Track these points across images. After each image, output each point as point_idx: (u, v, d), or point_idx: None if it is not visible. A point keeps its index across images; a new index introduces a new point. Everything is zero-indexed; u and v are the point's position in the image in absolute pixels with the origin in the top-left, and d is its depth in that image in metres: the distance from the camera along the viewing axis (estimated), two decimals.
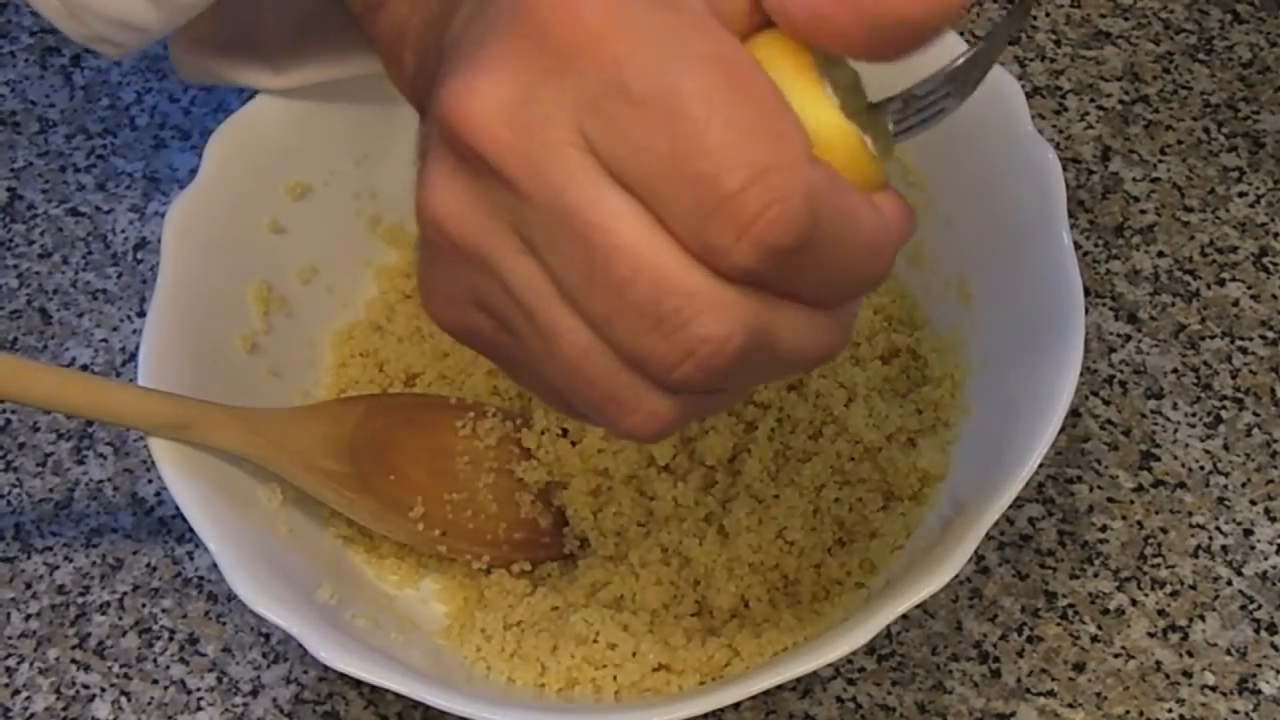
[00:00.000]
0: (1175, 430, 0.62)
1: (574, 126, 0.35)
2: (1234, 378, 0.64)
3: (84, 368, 0.65)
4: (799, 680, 0.53)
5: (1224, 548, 0.60)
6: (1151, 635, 0.58)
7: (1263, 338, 0.64)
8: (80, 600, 0.60)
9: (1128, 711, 0.57)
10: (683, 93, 0.34)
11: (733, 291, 0.35)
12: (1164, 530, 0.60)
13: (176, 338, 0.55)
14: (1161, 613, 0.59)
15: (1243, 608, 0.59)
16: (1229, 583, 0.59)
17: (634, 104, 0.34)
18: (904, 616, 0.49)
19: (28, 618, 0.60)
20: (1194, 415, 0.63)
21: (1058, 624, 0.58)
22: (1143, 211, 0.68)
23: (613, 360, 0.37)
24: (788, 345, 0.37)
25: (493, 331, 0.39)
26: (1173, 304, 0.65)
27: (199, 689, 0.58)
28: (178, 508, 0.52)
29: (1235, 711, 0.57)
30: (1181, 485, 0.61)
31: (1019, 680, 0.57)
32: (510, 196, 0.36)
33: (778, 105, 0.35)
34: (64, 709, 0.58)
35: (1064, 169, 0.55)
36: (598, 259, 0.35)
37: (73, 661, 0.59)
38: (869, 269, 0.37)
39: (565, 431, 0.59)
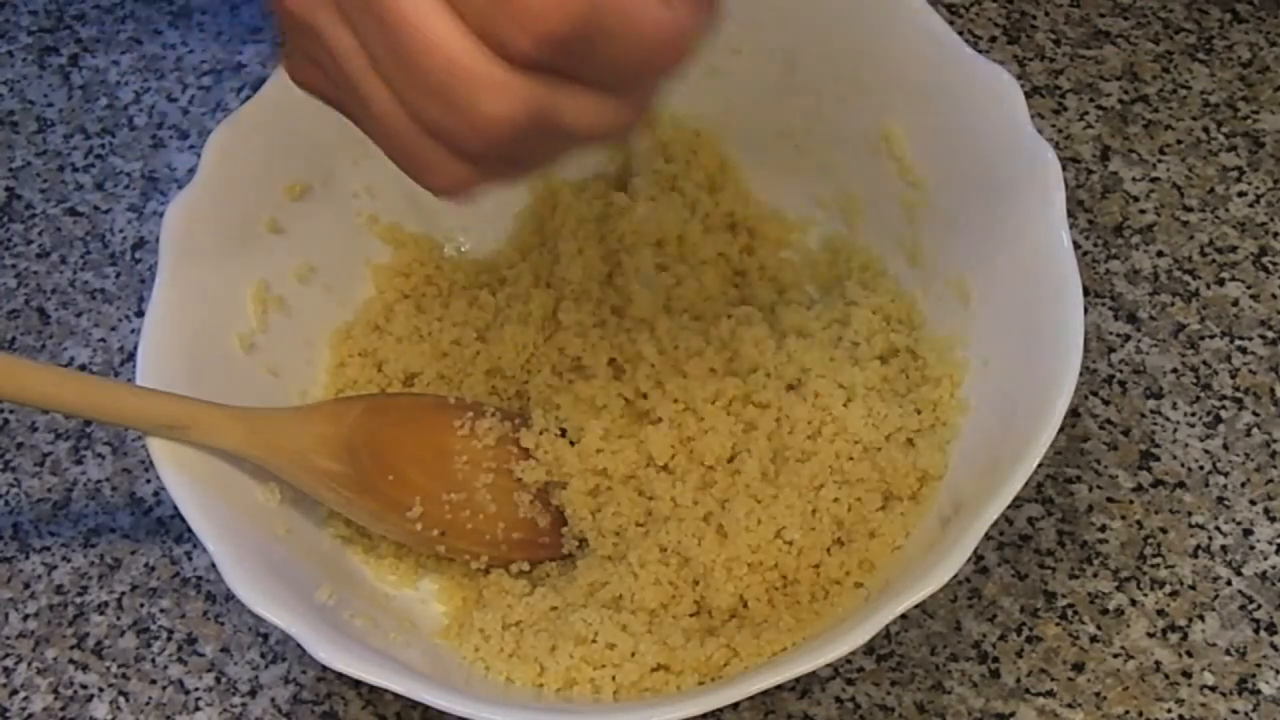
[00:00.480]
0: (1175, 430, 0.62)
1: None
2: (1233, 377, 0.64)
3: (82, 367, 0.65)
4: (798, 680, 0.53)
5: (1223, 547, 0.60)
6: (1151, 635, 0.58)
7: (1262, 337, 0.64)
8: (78, 600, 0.60)
9: (1127, 711, 0.57)
10: None
11: (517, 75, 0.39)
12: (1163, 530, 0.60)
13: (175, 337, 0.55)
14: (1161, 613, 0.59)
15: (1242, 608, 0.59)
16: (1228, 583, 0.59)
17: None
18: (903, 616, 0.49)
19: (26, 618, 0.60)
20: (1193, 415, 0.63)
21: (1057, 624, 0.58)
22: (1142, 211, 0.68)
23: (415, 127, 0.41)
24: (573, 123, 0.41)
25: (332, 91, 0.43)
26: (1172, 304, 0.65)
27: (197, 689, 0.58)
28: (176, 508, 0.52)
29: (1235, 711, 0.57)
30: (1181, 485, 0.61)
31: (1018, 680, 0.57)
32: None
33: None
34: (62, 709, 0.58)
35: (1063, 168, 0.55)
36: (397, 37, 0.39)
37: (71, 661, 0.59)
38: (654, 59, 0.41)
39: (564, 431, 0.59)
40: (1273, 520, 0.60)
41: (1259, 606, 0.59)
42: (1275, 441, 0.62)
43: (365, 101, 0.42)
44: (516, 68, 0.39)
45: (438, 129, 0.41)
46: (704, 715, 0.49)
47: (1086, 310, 0.60)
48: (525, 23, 0.38)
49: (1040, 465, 0.60)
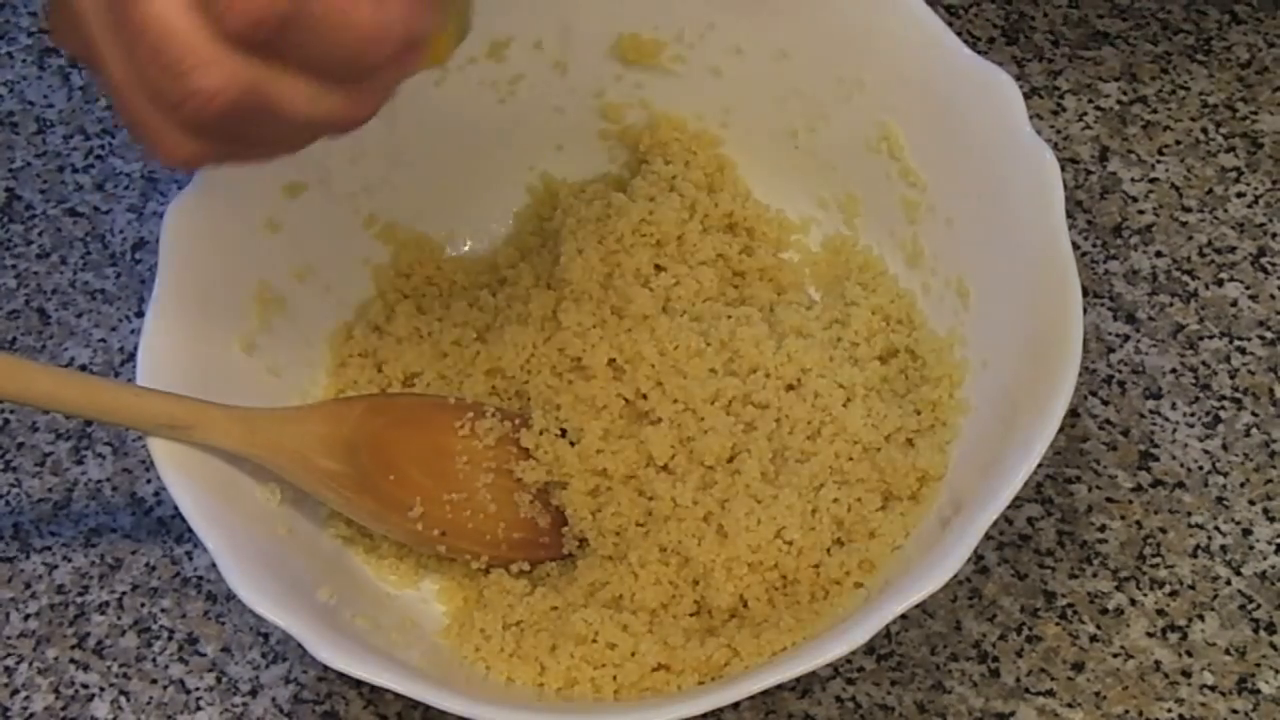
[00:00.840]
0: (1174, 430, 0.62)
1: None
2: (1232, 378, 0.64)
3: (83, 368, 0.65)
4: (798, 680, 0.53)
5: (1223, 547, 0.60)
6: (1150, 635, 0.58)
7: (1261, 338, 0.64)
8: (79, 600, 0.60)
9: (1127, 711, 0.57)
10: None
11: (231, 53, 0.41)
12: (1163, 530, 0.60)
13: (175, 337, 0.55)
14: (1160, 612, 0.59)
15: (1242, 607, 0.59)
16: (1228, 582, 0.59)
17: None
18: (903, 616, 0.49)
19: (27, 617, 0.60)
20: (1192, 415, 0.63)
21: (1057, 624, 0.58)
22: (1141, 212, 0.68)
23: (144, 96, 0.42)
24: (290, 108, 0.43)
25: (83, 52, 0.44)
26: (1171, 304, 0.65)
27: (198, 689, 0.58)
28: (176, 507, 0.52)
29: (1234, 711, 0.57)
30: (1180, 485, 0.61)
31: (1018, 680, 0.57)
32: None
33: None
34: (63, 709, 0.58)
35: (1062, 169, 0.55)
36: (127, 12, 0.41)
37: (72, 661, 0.59)
38: (365, 53, 0.42)
39: (564, 432, 0.59)
40: (1272, 520, 0.60)
41: (1258, 606, 0.59)
42: (1274, 442, 0.62)
43: (101, 62, 0.43)
44: (233, 46, 0.41)
45: (161, 99, 0.42)
46: (704, 715, 0.49)
47: (1086, 310, 0.60)
48: (232, 4, 0.40)
49: (1040, 465, 0.60)
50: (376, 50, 0.43)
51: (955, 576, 0.49)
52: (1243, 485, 0.61)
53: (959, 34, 0.59)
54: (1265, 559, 0.60)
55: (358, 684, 0.57)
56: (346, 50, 0.42)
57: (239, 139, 0.44)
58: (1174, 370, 0.64)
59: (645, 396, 0.59)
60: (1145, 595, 0.59)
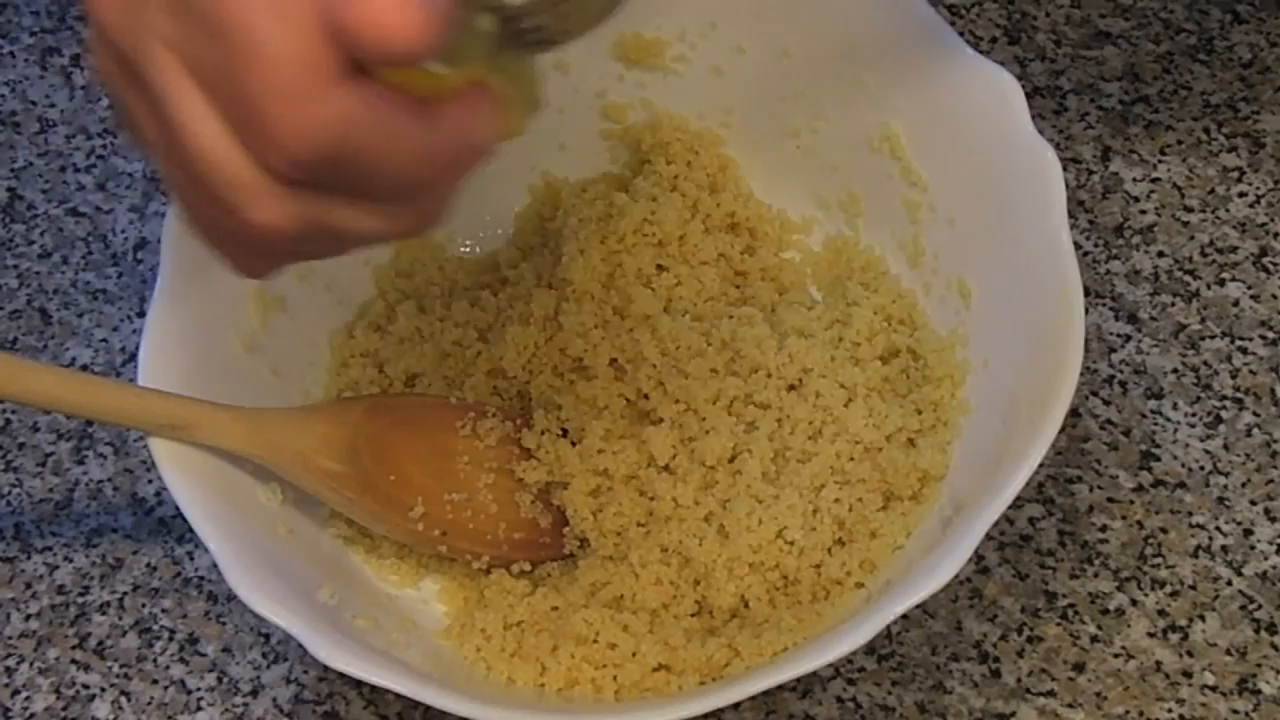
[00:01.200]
0: (1175, 430, 0.62)
1: (166, 20, 0.39)
2: (1234, 378, 0.64)
3: (84, 368, 0.65)
4: (799, 680, 0.53)
5: (1224, 548, 0.60)
6: (1151, 635, 0.58)
7: (1262, 338, 0.64)
8: (80, 600, 0.60)
9: (1127, 711, 0.57)
10: (240, 11, 0.38)
11: (282, 188, 0.40)
12: (1164, 530, 0.60)
13: (176, 338, 0.55)
14: (1161, 613, 0.59)
15: (1243, 608, 0.59)
16: (1229, 583, 0.59)
17: (203, 18, 0.38)
18: (904, 616, 0.49)
19: (28, 618, 0.60)
20: (1194, 415, 0.63)
21: (1058, 624, 0.58)
22: (1143, 211, 0.68)
23: (205, 217, 0.42)
24: (351, 229, 0.42)
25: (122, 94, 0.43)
26: (1173, 304, 0.65)
27: (199, 689, 0.58)
28: (178, 508, 0.52)
29: (1235, 711, 0.57)
30: (1181, 485, 0.61)
31: (1019, 680, 0.57)
32: (119, 58, 0.41)
33: (321, 31, 0.38)
34: (64, 709, 0.58)
35: (1064, 169, 0.55)
36: (176, 140, 0.40)
37: (73, 661, 0.59)
38: (421, 178, 0.41)
39: (565, 432, 0.59)
40: (1273, 520, 0.60)
41: (1259, 606, 0.59)
42: (1276, 442, 0.62)
43: (171, 185, 0.43)
44: (283, 182, 0.40)
45: (222, 227, 0.42)
46: (705, 715, 0.49)
47: (1087, 310, 0.60)
48: (278, 146, 0.39)
49: (1041, 465, 0.60)
50: (429, 170, 0.41)
51: (956, 576, 0.49)
52: (1244, 485, 0.61)
53: (961, 33, 0.59)
54: (1266, 559, 0.60)
55: (358, 684, 0.57)
56: (398, 177, 0.41)
57: (306, 255, 0.44)
58: (1175, 370, 0.64)
59: (647, 397, 0.59)
60: (1146, 595, 0.59)
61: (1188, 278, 0.66)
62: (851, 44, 0.61)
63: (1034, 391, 0.52)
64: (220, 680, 0.58)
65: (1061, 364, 0.52)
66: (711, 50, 0.64)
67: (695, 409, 0.58)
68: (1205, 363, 0.64)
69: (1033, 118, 0.56)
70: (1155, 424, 0.63)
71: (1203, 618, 0.58)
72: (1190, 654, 0.58)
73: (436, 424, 0.59)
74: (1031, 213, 0.55)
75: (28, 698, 0.58)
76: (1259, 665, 0.57)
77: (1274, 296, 0.65)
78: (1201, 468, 0.62)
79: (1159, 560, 0.60)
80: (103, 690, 0.58)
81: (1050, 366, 0.52)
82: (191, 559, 0.61)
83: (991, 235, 0.57)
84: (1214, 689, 0.57)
